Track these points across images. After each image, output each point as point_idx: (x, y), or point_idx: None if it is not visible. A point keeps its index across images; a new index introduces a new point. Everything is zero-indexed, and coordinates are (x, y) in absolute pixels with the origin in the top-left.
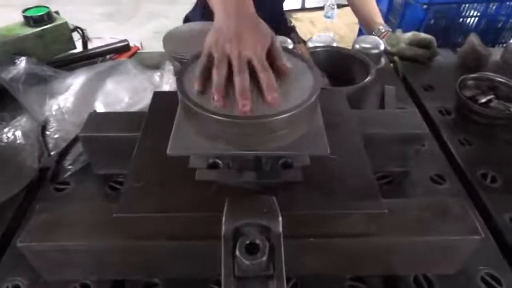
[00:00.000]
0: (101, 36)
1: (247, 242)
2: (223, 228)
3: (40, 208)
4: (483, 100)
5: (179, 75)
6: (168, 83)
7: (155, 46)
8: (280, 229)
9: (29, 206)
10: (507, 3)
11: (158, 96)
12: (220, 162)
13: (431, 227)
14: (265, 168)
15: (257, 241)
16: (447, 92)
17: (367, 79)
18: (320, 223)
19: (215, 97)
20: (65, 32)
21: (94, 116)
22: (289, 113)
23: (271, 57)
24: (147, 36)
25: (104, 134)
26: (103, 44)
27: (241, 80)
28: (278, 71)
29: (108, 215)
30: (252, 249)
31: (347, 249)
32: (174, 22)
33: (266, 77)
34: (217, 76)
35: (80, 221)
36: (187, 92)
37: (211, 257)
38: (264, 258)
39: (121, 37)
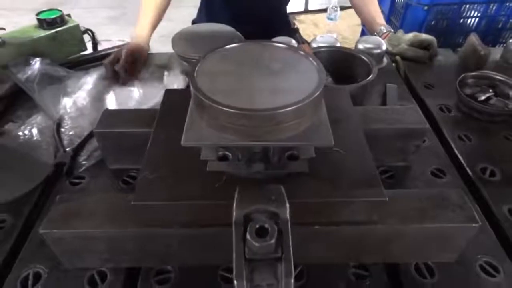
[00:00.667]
0: (109, 38)
1: (257, 226)
2: (234, 214)
3: (60, 199)
4: (483, 98)
5: (192, 71)
6: (176, 82)
7: (162, 49)
8: (288, 214)
9: (46, 199)
10: (507, 3)
11: (170, 94)
12: (229, 154)
13: (430, 215)
14: (272, 160)
15: (266, 225)
16: (448, 90)
17: (369, 78)
18: (325, 210)
19: None
20: (77, 34)
21: (108, 113)
22: (296, 106)
23: None
24: (153, 39)
25: (117, 130)
26: (111, 46)
27: None
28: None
29: (124, 205)
30: (261, 233)
31: (351, 236)
32: (179, 25)
33: None
34: None
35: (98, 210)
36: (199, 87)
37: (222, 244)
38: (273, 241)
39: (129, 40)
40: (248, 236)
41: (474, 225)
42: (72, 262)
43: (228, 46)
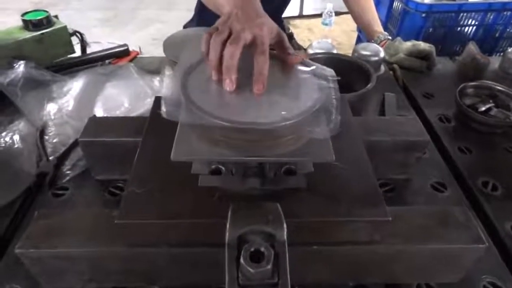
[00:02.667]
0: (99, 41)
1: (252, 249)
2: (227, 235)
3: (39, 214)
4: (483, 108)
5: (182, 80)
6: (168, 88)
7: (154, 51)
8: (285, 236)
9: (27, 212)
10: (504, 12)
11: (160, 101)
12: (222, 168)
13: (434, 235)
14: (268, 175)
15: (262, 249)
16: (447, 100)
17: (368, 86)
18: (324, 230)
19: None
20: (64, 36)
21: (94, 121)
22: (293, 121)
23: (280, 49)
24: (145, 41)
25: (103, 139)
26: (101, 48)
27: (231, 51)
28: (286, 62)
29: (108, 222)
30: (256, 257)
31: (351, 257)
32: (171, 27)
33: (262, 61)
34: (214, 43)
35: (80, 228)
36: (191, 98)
37: (214, 265)
38: (269, 266)
39: (119, 43)
40: (242, 261)
41: (480, 245)
42: (52, 283)
43: None
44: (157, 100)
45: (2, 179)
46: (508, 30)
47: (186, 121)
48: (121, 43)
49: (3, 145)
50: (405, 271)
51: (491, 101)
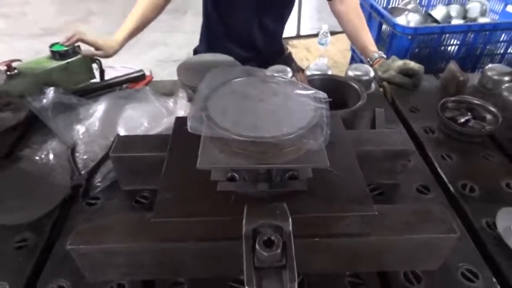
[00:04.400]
0: (112, 65)
1: (265, 238)
2: (244, 228)
3: (83, 219)
4: (462, 120)
5: (205, 103)
6: (182, 109)
7: (160, 73)
8: (291, 228)
9: (65, 219)
10: (483, 32)
11: (180, 120)
12: (236, 175)
13: (416, 228)
14: (275, 180)
15: (273, 237)
16: (431, 113)
17: (359, 103)
18: (322, 224)
19: None
20: (87, 64)
21: (122, 139)
22: (294, 135)
23: None
24: (150, 63)
25: (131, 154)
26: (116, 72)
27: None
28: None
29: (142, 223)
30: (268, 244)
31: (346, 247)
32: (174, 50)
33: None
34: None
35: (119, 228)
36: (213, 118)
37: (231, 256)
38: (279, 251)
39: (127, 66)
40: (257, 247)
41: (453, 235)
42: (94, 276)
43: (235, 80)
44: (178, 120)
45: (41, 192)
46: (488, 48)
47: (208, 134)
48: (131, 66)
49: (39, 162)
50: (393, 260)
51: (469, 113)
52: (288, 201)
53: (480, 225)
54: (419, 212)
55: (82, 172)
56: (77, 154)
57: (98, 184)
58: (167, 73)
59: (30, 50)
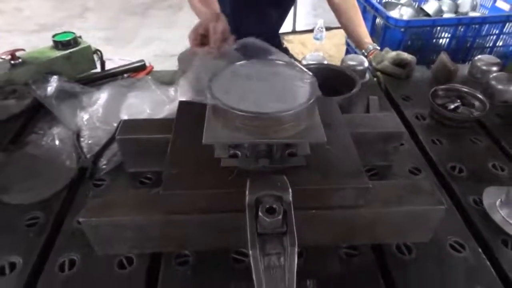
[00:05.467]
0: (109, 58)
1: (267, 206)
2: (247, 198)
3: (93, 194)
4: (452, 107)
5: (209, 82)
6: (182, 97)
7: (157, 67)
8: (291, 198)
9: (73, 198)
10: (473, 26)
11: (183, 104)
12: (238, 152)
13: (407, 200)
14: (275, 156)
15: (274, 206)
16: (422, 101)
17: (354, 90)
18: (319, 196)
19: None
20: (88, 54)
21: (127, 122)
22: (296, 110)
23: None
24: (147, 58)
25: (137, 136)
26: (114, 65)
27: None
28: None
29: (149, 198)
30: (270, 211)
31: (341, 219)
32: (171, 45)
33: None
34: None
35: (127, 203)
36: (217, 96)
37: (234, 228)
38: (280, 217)
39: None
40: (260, 214)
41: (441, 207)
42: (103, 249)
43: (237, 63)
44: (181, 103)
45: (48, 174)
46: (477, 41)
47: (212, 103)
48: (129, 59)
49: (46, 146)
50: (386, 232)
51: (458, 101)
52: (287, 174)
53: (468, 202)
54: (410, 186)
55: (88, 156)
56: (81, 139)
57: (104, 166)
58: (164, 68)
59: (27, 45)
